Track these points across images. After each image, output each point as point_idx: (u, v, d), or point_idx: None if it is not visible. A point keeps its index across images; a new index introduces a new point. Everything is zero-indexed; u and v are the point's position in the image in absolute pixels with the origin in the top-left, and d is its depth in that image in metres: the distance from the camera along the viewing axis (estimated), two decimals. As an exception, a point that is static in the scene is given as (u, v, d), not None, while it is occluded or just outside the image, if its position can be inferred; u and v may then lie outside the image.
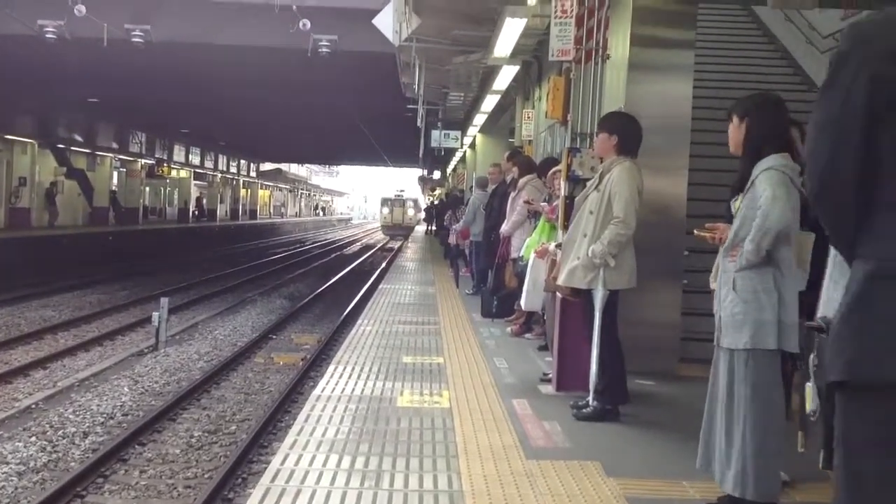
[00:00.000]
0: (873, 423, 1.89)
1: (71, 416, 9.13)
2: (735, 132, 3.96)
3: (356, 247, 48.63)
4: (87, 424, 8.89)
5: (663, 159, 6.89)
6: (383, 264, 27.79)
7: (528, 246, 7.60)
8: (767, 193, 3.69)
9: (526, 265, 7.54)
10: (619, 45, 7.23)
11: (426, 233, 36.67)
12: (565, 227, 6.05)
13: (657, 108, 6.91)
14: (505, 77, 14.72)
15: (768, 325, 3.70)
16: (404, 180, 67.47)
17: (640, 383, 6.37)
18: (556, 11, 8.41)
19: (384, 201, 59.97)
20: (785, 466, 3.91)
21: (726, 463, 3.78)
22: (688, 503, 4.01)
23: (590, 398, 5.48)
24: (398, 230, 53.83)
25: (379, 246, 46.88)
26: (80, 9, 15.10)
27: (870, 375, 1.85)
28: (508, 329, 9.16)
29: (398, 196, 58.49)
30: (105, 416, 9.28)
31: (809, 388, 2.32)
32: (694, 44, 7.52)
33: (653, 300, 6.77)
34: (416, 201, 60.83)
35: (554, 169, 7.46)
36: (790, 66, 12.31)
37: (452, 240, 13.85)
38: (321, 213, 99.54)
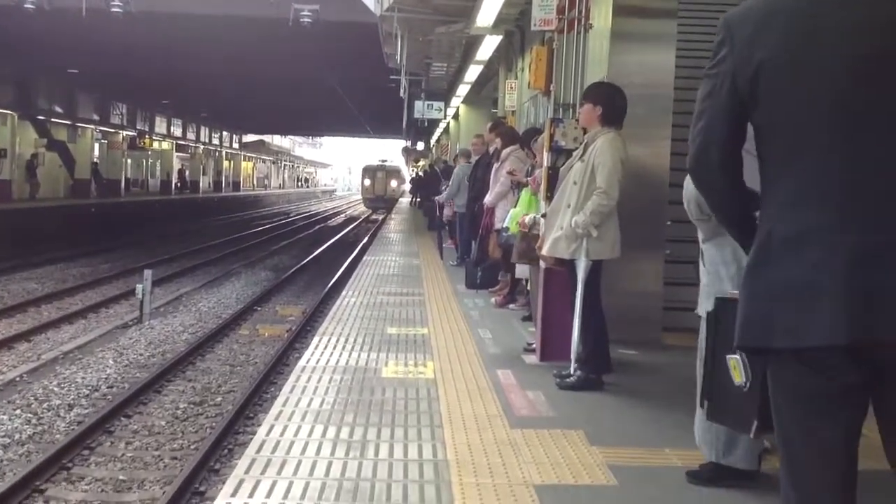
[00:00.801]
0: (788, 387, 1.97)
1: (56, 389, 9.13)
2: None
3: (340, 218, 48.57)
4: (72, 397, 8.90)
5: (646, 129, 6.89)
6: (367, 236, 27.77)
7: (512, 217, 7.61)
8: None
9: (511, 236, 7.55)
10: (602, 14, 7.21)
11: (411, 204, 36.28)
12: (548, 198, 6.06)
13: (640, 77, 6.90)
14: (488, 47, 14.66)
15: None
16: (388, 151, 63.02)
17: (623, 352, 6.42)
18: (538, -20, 8.38)
19: (366, 171, 55.16)
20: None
21: (706, 429, 3.84)
22: (670, 470, 4.06)
23: (573, 368, 5.52)
24: (381, 202, 49.84)
25: (363, 218, 46.80)
26: (59, -22, 14.93)
27: (756, 341, 1.98)
28: (493, 300, 9.20)
29: (381, 165, 53.86)
30: (90, 388, 9.29)
31: (733, 359, 2.25)
32: (676, 13, 7.51)
33: (636, 270, 6.81)
34: (399, 171, 56.36)
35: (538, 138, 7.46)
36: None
37: (448, 213, 13.82)
38: (305, 185, 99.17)
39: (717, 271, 3.78)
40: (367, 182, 53.88)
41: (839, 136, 1.89)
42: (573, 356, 5.51)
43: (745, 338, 1.99)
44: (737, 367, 2.25)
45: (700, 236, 3.89)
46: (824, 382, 1.89)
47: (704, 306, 3.86)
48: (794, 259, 1.88)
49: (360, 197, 60.69)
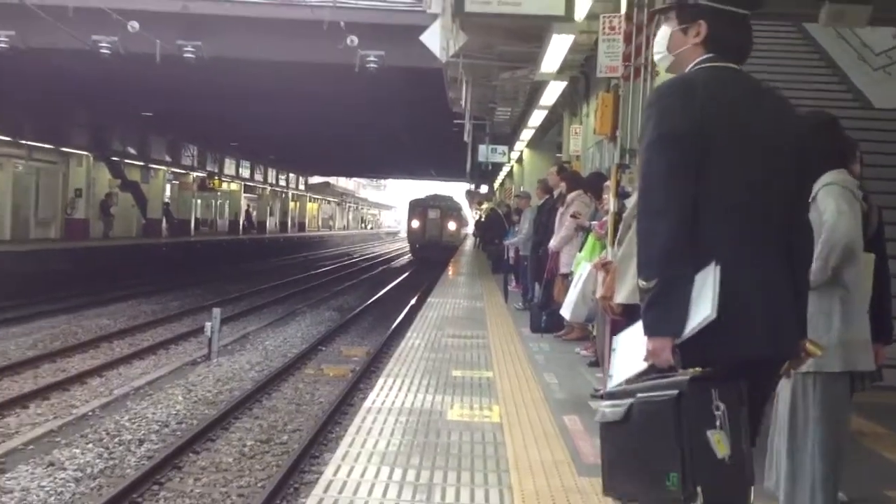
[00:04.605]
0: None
1: (127, 424, 9.33)
2: None
3: (404, 260, 48.65)
4: (143, 432, 9.09)
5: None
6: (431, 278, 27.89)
7: (577, 261, 7.63)
8: (832, 207, 3.64)
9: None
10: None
11: (475, 246, 35.43)
12: (613, 244, 6.07)
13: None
14: (552, 92, 14.76)
15: (831, 348, 3.57)
16: (452, 194, 58.78)
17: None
18: (604, 28, 8.48)
19: (413, 207, 40.75)
20: (843, 486, 3.89)
21: (791, 485, 3.72)
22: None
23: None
24: (434, 251, 36.44)
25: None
26: (134, 25, 15.48)
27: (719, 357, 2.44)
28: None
29: (434, 200, 40.80)
30: (160, 423, 9.47)
31: (716, 435, 2.30)
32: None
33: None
34: (460, 210, 44.14)
35: (606, 184, 7.50)
36: (842, 84, 12.19)
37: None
38: (369, 227, 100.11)
39: (819, 322, 3.58)
40: (416, 223, 40.11)
41: None
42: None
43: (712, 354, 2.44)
44: (721, 442, 2.28)
45: None
46: None
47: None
48: None
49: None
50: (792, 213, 2.60)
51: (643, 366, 2.52)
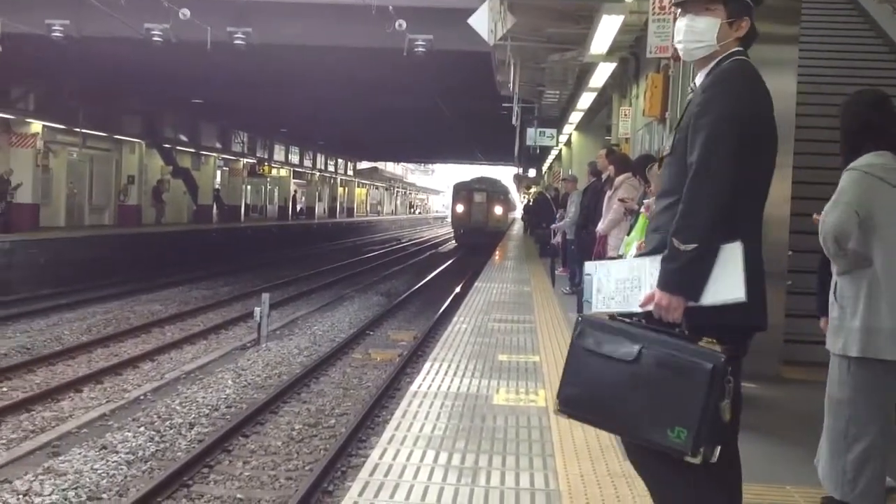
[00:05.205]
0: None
1: (178, 408, 9.46)
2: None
3: (451, 244, 48.70)
4: (193, 415, 9.21)
5: (766, 157, 6.72)
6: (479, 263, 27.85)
7: (626, 243, 7.51)
8: (834, 196, 3.66)
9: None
10: (720, 40, 7.09)
11: (523, 231, 35.52)
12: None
13: (759, 104, 6.75)
14: (601, 74, 14.57)
15: (854, 332, 3.61)
16: (499, 178, 57.56)
17: (743, 386, 6.22)
18: (654, 8, 8.33)
19: (458, 191, 39.31)
20: (891, 471, 3.80)
21: (829, 464, 3.71)
22: (790, 508, 3.93)
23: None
24: (479, 237, 35.30)
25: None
26: (185, 12, 15.60)
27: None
28: None
29: (479, 183, 39.16)
30: (210, 407, 9.59)
31: (725, 404, 2.50)
32: (798, 39, 7.32)
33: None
34: (507, 193, 42.20)
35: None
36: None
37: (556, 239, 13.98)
38: (417, 212, 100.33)
39: (847, 306, 3.66)
40: (461, 207, 38.59)
41: None
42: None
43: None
44: (727, 409, 2.51)
45: (835, 269, 3.76)
46: None
47: (832, 341, 3.74)
48: None
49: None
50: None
51: (636, 310, 2.68)
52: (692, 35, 2.80)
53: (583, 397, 2.68)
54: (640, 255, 2.98)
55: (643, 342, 2.56)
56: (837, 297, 3.71)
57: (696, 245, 2.55)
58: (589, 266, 2.90)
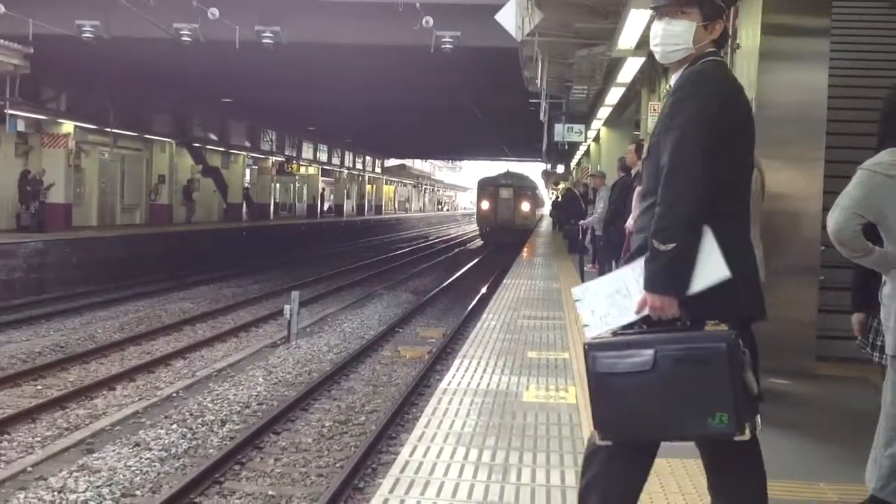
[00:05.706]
0: None
1: (209, 405, 9.53)
2: None
3: (480, 242, 48.68)
4: (225, 413, 9.27)
5: (798, 150, 6.67)
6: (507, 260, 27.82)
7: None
8: (838, 198, 3.53)
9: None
10: (750, 34, 7.03)
11: (552, 227, 34.97)
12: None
13: (790, 97, 6.70)
14: (630, 69, 14.46)
15: (890, 332, 3.46)
16: (528, 174, 55.82)
17: (776, 382, 6.19)
18: (683, 1, 8.23)
19: (483, 187, 38.10)
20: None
21: (874, 462, 3.64)
22: (825, 506, 3.89)
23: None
24: (506, 235, 34.51)
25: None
26: (214, 12, 15.70)
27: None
28: None
29: (506, 178, 37.89)
30: (241, 404, 9.65)
31: (748, 375, 2.56)
32: (829, 31, 7.24)
33: (789, 297, 6.55)
34: (535, 189, 41.51)
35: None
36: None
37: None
38: (445, 209, 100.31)
39: (889, 305, 3.47)
40: (486, 204, 37.37)
41: None
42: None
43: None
44: (752, 380, 2.58)
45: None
46: None
47: (888, 342, 3.57)
48: None
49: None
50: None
51: (633, 317, 2.72)
52: (669, 38, 2.86)
53: (619, 420, 2.68)
54: (622, 262, 3.00)
55: (654, 346, 2.61)
56: (882, 298, 3.60)
57: (674, 244, 2.62)
58: (576, 291, 2.91)
